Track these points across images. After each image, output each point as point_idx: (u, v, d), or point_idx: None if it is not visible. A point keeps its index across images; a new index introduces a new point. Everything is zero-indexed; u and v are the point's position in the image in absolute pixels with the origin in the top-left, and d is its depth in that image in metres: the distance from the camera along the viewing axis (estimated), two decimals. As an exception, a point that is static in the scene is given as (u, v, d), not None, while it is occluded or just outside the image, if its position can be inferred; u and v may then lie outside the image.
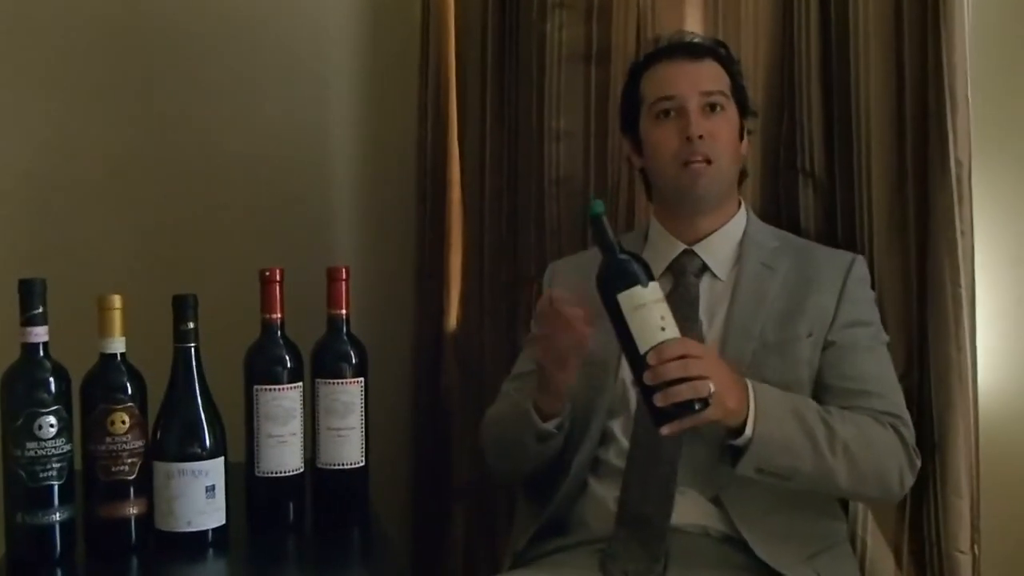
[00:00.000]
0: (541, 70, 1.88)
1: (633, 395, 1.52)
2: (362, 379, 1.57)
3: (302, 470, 1.56)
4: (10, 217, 2.04)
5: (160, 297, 1.48)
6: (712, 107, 1.56)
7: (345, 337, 1.58)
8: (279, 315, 1.54)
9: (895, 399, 1.54)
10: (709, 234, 1.61)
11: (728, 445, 1.42)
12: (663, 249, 1.62)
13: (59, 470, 1.39)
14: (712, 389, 1.31)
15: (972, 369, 1.64)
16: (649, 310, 1.31)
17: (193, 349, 1.47)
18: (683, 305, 1.56)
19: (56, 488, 1.39)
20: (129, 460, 1.42)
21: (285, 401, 1.53)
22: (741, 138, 1.62)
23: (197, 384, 1.47)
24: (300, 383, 1.55)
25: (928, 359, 1.65)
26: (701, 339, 1.53)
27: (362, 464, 1.58)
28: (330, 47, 2.13)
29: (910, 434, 1.52)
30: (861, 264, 1.61)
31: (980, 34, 1.68)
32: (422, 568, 2.06)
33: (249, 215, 2.09)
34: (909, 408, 1.56)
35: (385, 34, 2.15)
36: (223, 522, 1.47)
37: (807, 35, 1.75)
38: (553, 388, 1.48)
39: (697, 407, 1.30)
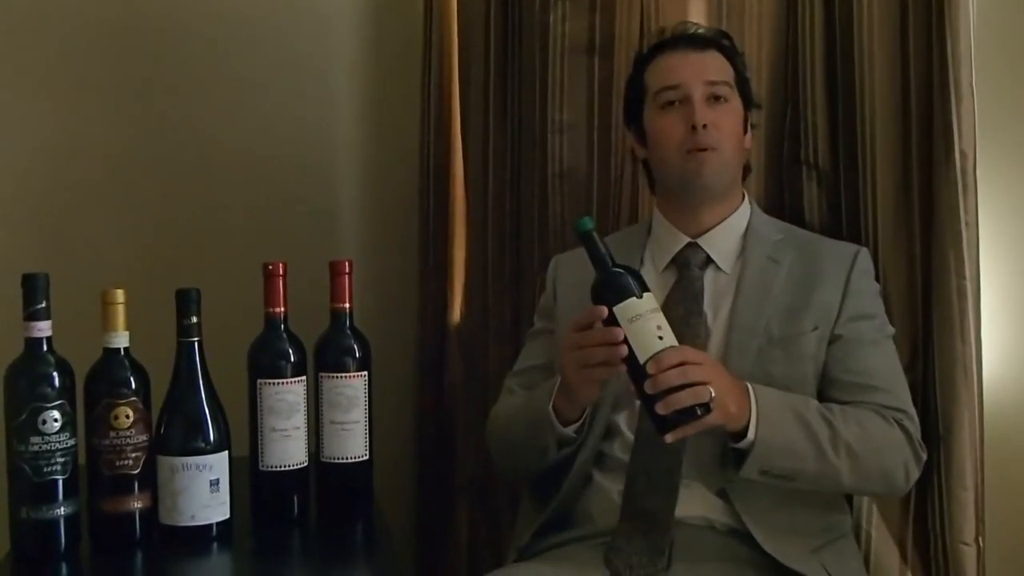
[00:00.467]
0: (544, 63, 1.88)
1: (637, 388, 1.52)
2: (366, 373, 1.57)
3: (306, 464, 1.56)
4: (15, 212, 2.04)
5: (164, 292, 1.48)
6: (716, 97, 1.56)
7: (348, 331, 1.58)
8: (282, 309, 1.54)
9: (900, 393, 1.54)
10: (713, 227, 1.61)
11: (732, 448, 1.43)
12: (667, 242, 1.62)
13: (63, 465, 1.39)
14: (713, 394, 1.32)
15: (977, 361, 1.63)
16: (645, 320, 1.33)
17: (197, 343, 1.47)
18: (687, 298, 1.56)
19: (60, 483, 1.39)
20: (133, 454, 1.42)
21: (289, 395, 1.53)
22: (745, 130, 1.62)
23: (201, 378, 1.47)
24: (304, 377, 1.55)
25: (933, 351, 1.65)
26: (706, 332, 1.53)
27: (366, 458, 1.58)
28: (333, 42, 2.13)
29: (915, 428, 1.52)
30: (865, 256, 1.60)
31: (985, 25, 1.67)
32: (426, 562, 2.06)
33: (252, 210, 2.10)
34: (914, 400, 1.56)
35: (387, 28, 2.15)
36: (227, 516, 1.47)
37: (811, 26, 1.75)
38: (576, 400, 1.47)
39: (699, 412, 1.32)
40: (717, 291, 1.58)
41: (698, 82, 1.55)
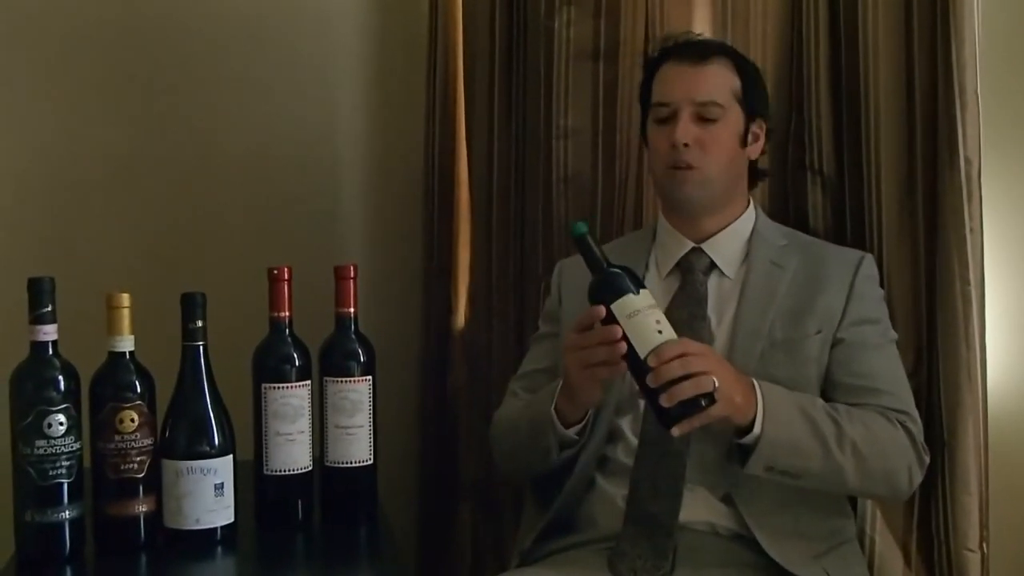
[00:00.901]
0: (549, 67, 1.88)
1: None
2: (370, 377, 1.58)
3: (310, 468, 1.56)
4: (20, 216, 2.04)
5: (168, 295, 1.48)
6: (705, 118, 1.55)
7: (353, 335, 1.58)
8: (287, 313, 1.54)
9: (904, 396, 1.54)
10: (716, 232, 1.61)
11: (737, 444, 1.43)
12: (671, 247, 1.62)
13: (68, 468, 1.39)
14: (716, 383, 1.32)
15: (981, 366, 1.64)
16: (644, 316, 1.34)
17: (201, 347, 1.47)
18: (691, 303, 1.56)
19: (65, 486, 1.39)
20: (138, 458, 1.42)
21: (293, 399, 1.53)
22: (745, 143, 1.60)
23: (206, 382, 1.47)
24: (308, 381, 1.55)
25: (937, 356, 1.65)
26: (710, 336, 1.53)
27: (370, 462, 1.58)
28: (337, 45, 2.13)
29: (919, 431, 1.52)
30: (870, 262, 1.60)
31: (990, 31, 1.67)
32: (429, 565, 2.06)
33: (257, 214, 2.09)
34: (918, 405, 1.56)
35: (390, 29, 2.14)
36: (232, 520, 1.47)
37: (816, 32, 1.75)
38: (579, 401, 1.48)
39: (704, 403, 1.32)
40: (721, 296, 1.58)
41: (687, 101, 1.55)
